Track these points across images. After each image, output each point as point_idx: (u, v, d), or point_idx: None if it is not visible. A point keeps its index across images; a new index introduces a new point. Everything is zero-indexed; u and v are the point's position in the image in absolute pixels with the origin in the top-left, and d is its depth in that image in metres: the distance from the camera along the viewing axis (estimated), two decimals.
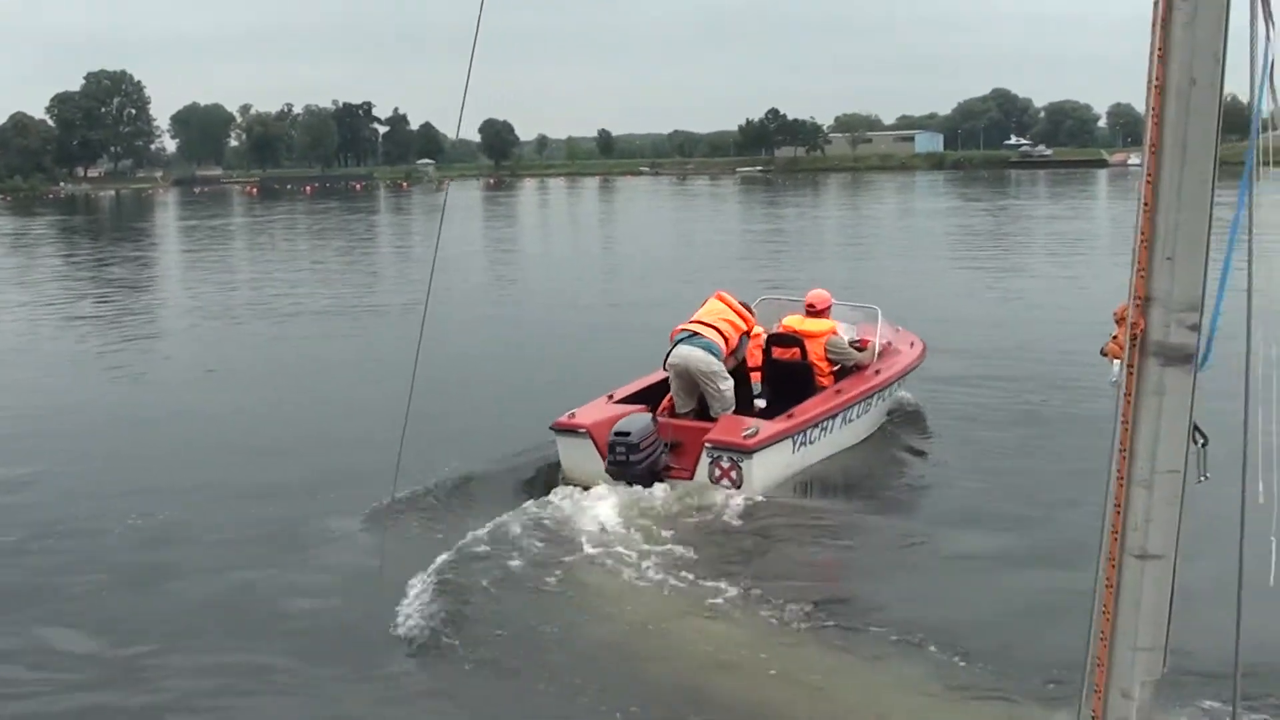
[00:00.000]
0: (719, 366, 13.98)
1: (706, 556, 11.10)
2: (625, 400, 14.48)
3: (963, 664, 8.71)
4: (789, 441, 13.61)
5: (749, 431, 13.21)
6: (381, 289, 35.77)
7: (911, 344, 16.92)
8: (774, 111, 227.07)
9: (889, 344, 16.26)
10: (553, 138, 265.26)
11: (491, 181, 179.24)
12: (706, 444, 13.18)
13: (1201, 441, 2.60)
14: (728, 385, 13.97)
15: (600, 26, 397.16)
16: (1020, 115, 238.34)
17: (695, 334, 14.18)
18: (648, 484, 13.09)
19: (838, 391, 14.66)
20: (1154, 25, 2.54)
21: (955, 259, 40.47)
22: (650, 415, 13.70)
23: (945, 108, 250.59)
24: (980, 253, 43.23)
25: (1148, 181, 2.61)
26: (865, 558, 11.68)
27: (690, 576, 10.50)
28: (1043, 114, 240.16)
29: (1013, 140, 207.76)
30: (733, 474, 13.04)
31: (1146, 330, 2.48)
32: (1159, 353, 2.46)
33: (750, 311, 14.89)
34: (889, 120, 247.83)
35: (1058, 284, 31.54)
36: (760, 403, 14.85)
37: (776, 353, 14.95)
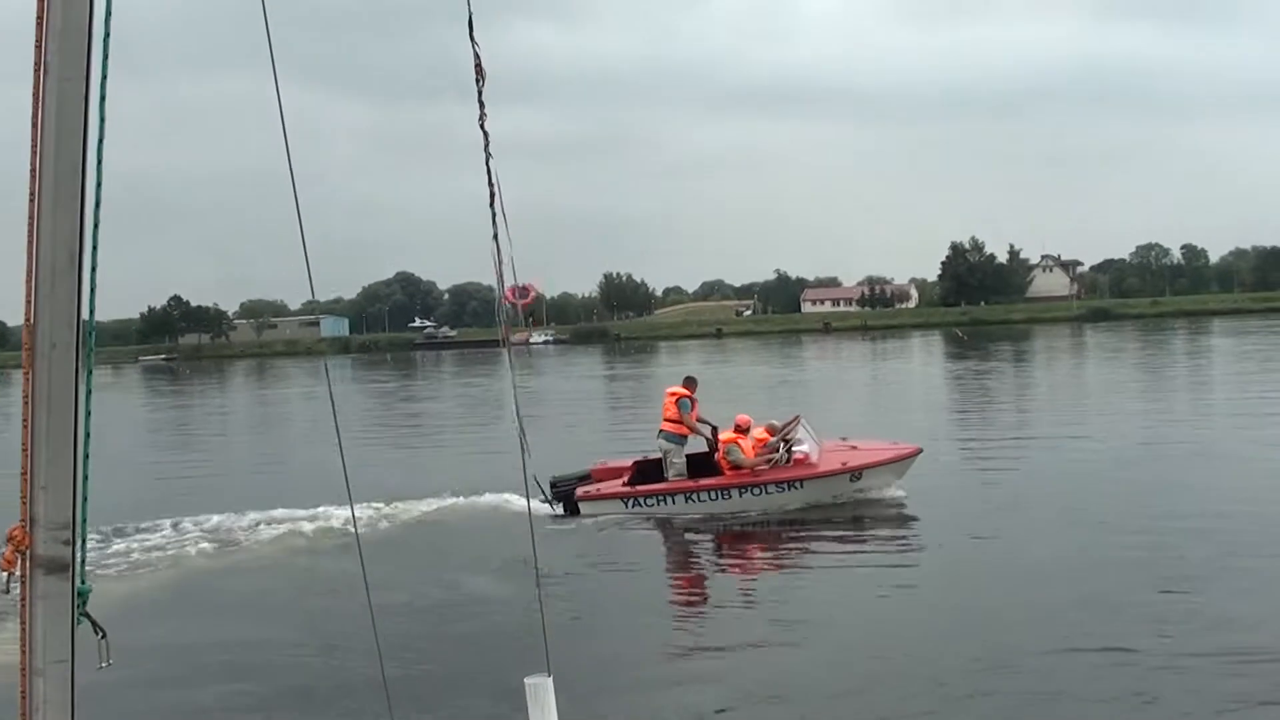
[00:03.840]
0: (666, 445, 22.84)
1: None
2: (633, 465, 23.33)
3: None
4: (620, 502, 22.33)
5: (590, 489, 22.69)
6: None
7: (844, 462, 22.11)
8: (177, 298, 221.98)
9: (805, 456, 22.07)
10: None
11: None
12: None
13: (101, 635, 3.12)
14: (676, 461, 22.70)
15: None
16: (425, 297, 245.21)
17: (661, 429, 23.13)
18: (565, 508, 22.58)
19: (714, 478, 22.31)
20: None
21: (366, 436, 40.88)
22: (585, 474, 23.33)
23: (351, 291, 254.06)
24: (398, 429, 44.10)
25: (25, 425, 2.93)
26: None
27: None
28: (447, 295, 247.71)
29: (417, 322, 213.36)
30: (572, 508, 22.43)
31: (33, 546, 2.97)
32: (43, 565, 2.98)
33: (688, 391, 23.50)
34: (295, 305, 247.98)
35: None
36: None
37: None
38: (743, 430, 22.58)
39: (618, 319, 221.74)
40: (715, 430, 23.14)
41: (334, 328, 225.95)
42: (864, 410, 43.80)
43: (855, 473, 22.01)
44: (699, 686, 12.30)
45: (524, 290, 35.47)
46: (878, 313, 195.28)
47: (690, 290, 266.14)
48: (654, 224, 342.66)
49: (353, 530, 20.48)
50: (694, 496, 22.19)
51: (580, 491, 22.64)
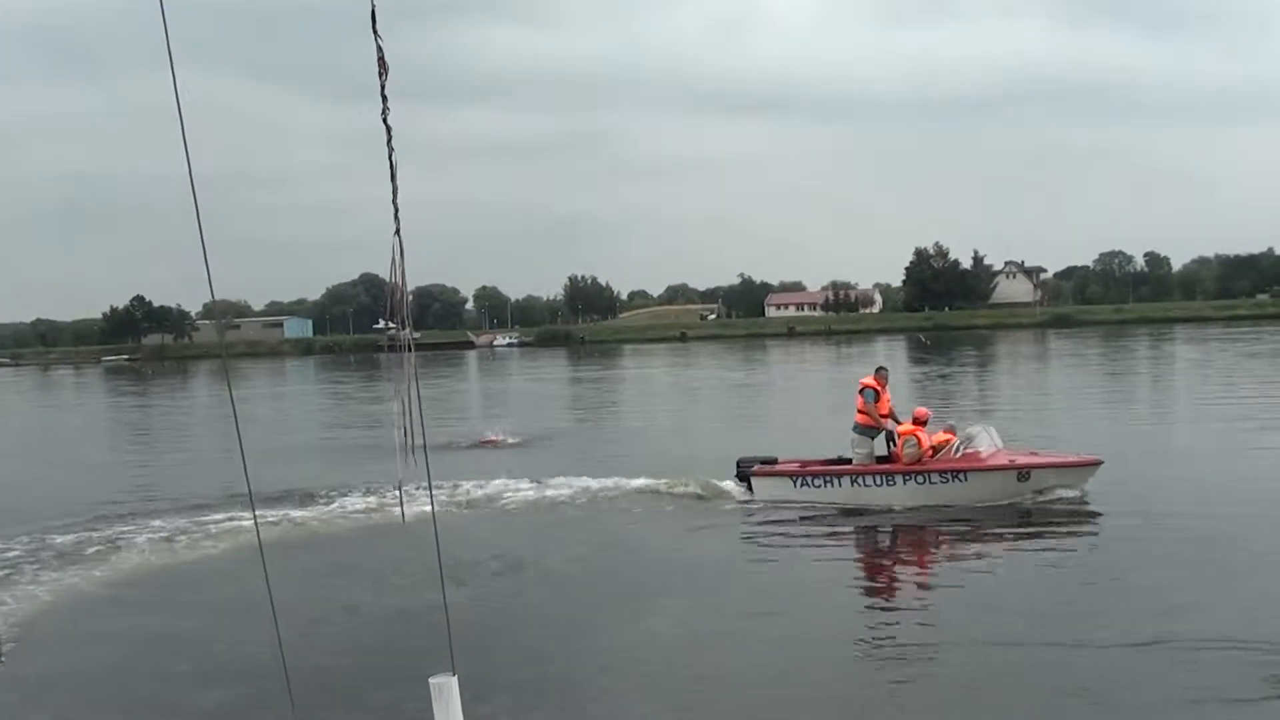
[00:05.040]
0: (854, 438, 22.78)
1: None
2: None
3: None
4: (789, 480, 22.73)
5: (765, 464, 23.27)
6: None
7: (1012, 460, 21.67)
8: (140, 298, 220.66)
9: (974, 452, 21.84)
10: None
11: None
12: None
13: None
14: (860, 451, 22.63)
15: None
16: (389, 299, 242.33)
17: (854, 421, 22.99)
18: (748, 486, 23.21)
19: (875, 464, 22.47)
20: None
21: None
22: (771, 459, 23.51)
23: (315, 293, 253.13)
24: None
25: None
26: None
27: None
28: (411, 297, 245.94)
29: (381, 324, 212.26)
30: (750, 485, 23.16)
31: None
32: None
33: (876, 382, 22.90)
34: (259, 306, 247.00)
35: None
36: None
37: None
38: (920, 422, 22.28)
39: (582, 322, 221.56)
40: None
41: (297, 329, 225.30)
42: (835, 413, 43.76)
43: (1023, 472, 21.43)
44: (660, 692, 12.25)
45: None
46: (842, 317, 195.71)
47: (655, 294, 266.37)
48: (619, 227, 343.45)
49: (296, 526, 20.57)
50: (859, 480, 22.21)
51: (755, 468, 23.16)
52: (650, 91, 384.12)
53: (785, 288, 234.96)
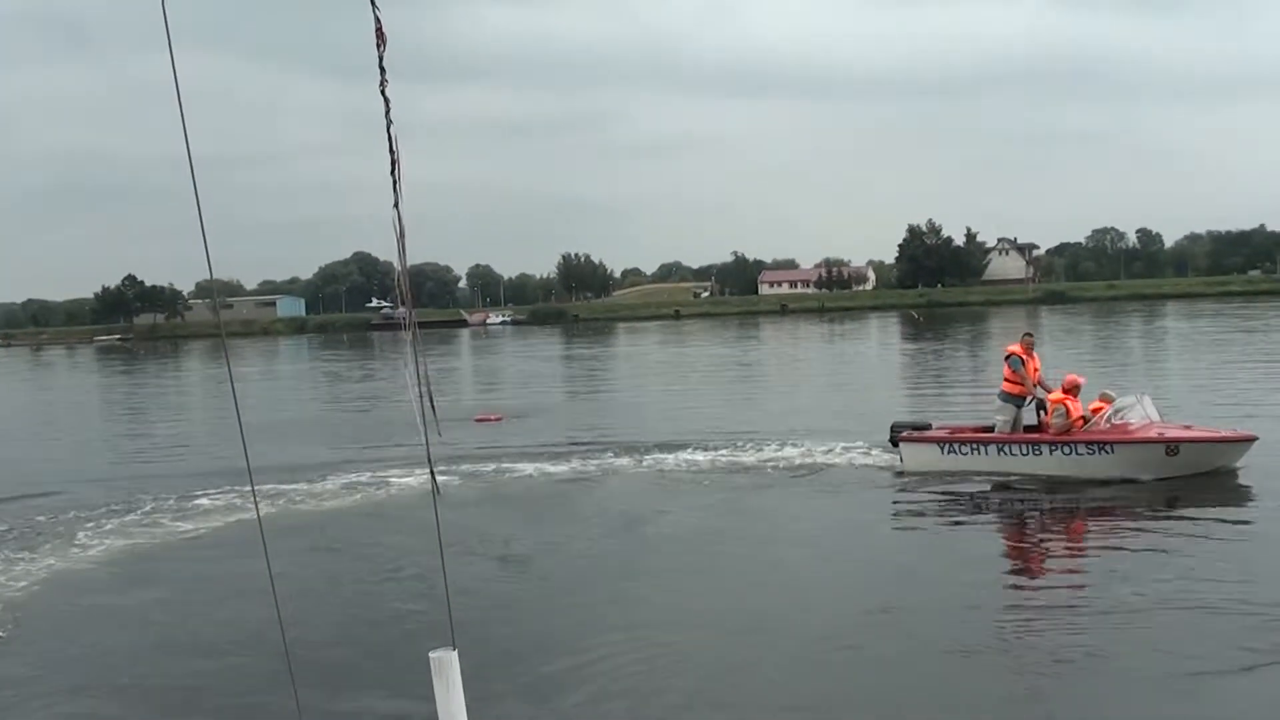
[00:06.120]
0: (998, 404, 22.84)
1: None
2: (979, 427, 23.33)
3: None
4: (936, 446, 22.75)
5: (912, 433, 23.10)
6: None
7: (1161, 433, 20.91)
8: (131, 278, 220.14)
9: (1123, 423, 21.17)
10: None
11: None
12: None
13: None
14: (1000, 419, 22.54)
15: None
16: (382, 278, 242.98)
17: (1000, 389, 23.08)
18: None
19: (1023, 433, 22.27)
20: None
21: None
22: (925, 424, 23.81)
23: (307, 272, 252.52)
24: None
25: None
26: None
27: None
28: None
29: (374, 303, 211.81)
30: (901, 453, 23.04)
31: None
32: None
33: (1022, 349, 22.84)
34: (251, 285, 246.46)
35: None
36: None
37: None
38: (1071, 390, 21.90)
39: (576, 300, 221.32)
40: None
41: (290, 308, 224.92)
42: (830, 392, 43.79)
43: (1171, 445, 20.58)
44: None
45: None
46: (835, 295, 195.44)
47: (649, 272, 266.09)
48: (613, 205, 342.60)
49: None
50: (1005, 449, 22.07)
51: (903, 434, 23.16)
52: (644, 71, 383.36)
53: (778, 265, 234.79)
